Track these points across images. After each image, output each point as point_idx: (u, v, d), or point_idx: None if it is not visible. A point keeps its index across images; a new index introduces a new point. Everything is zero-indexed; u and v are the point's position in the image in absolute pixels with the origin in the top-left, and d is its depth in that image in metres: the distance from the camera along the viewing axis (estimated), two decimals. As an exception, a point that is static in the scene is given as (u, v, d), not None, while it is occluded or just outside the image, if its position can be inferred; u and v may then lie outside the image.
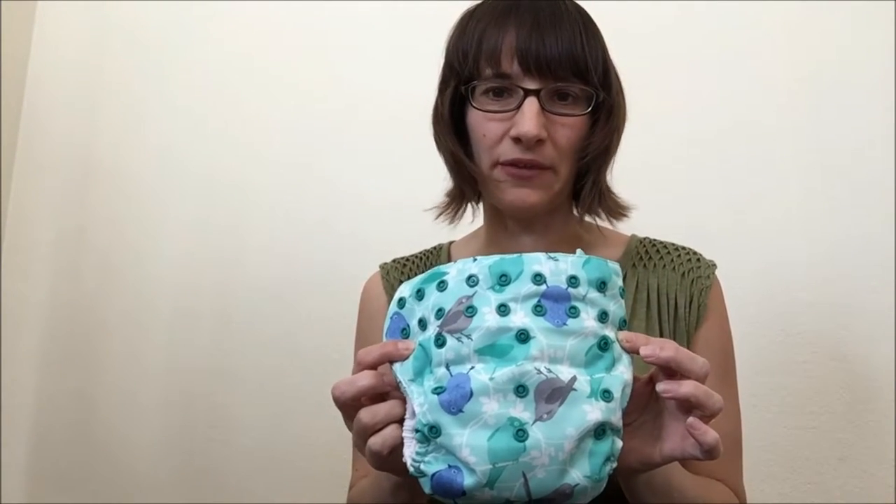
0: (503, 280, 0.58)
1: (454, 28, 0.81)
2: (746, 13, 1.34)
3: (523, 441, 0.53)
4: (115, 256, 1.68)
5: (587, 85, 0.74)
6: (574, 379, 0.55)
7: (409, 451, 0.56)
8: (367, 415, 0.58)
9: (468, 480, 0.53)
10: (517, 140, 0.73)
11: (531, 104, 0.73)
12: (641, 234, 0.89)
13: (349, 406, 0.59)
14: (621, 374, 0.57)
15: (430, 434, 0.55)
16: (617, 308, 0.59)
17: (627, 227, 0.86)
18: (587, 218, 0.84)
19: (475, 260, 0.59)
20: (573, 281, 0.58)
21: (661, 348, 0.56)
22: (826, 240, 1.26)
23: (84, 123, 1.75)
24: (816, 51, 1.30)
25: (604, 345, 0.57)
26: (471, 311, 0.57)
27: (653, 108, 1.27)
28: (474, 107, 0.76)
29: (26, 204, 1.76)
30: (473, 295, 0.57)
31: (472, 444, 0.53)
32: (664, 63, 1.37)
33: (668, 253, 0.85)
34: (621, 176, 0.83)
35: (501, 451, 0.53)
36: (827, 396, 1.22)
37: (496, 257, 0.59)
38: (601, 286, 0.59)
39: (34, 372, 1.70)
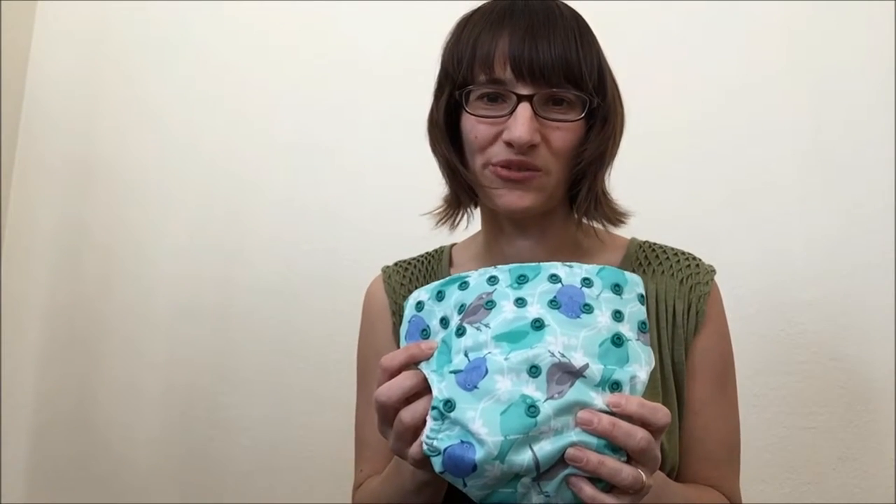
0: (521, 279, 0.63)
1: (450, 34, 0.80)
2: (747, 13, 1.34)
3: (535, 417, 0.55)
4: (116, 256, 1.68)
5: (581, 91, 0.74)
6: (587, 366, 0.57)
7: (426, 432, 0.58)
8: (407, 414, 0.60)
9: (479, 454, 0.55)
10: (509, 144, 0.73)
11: (524, 109, 0.72)
12: (641, 237, 0.88)
13: (393, 410, 0.61)
14: (634, 370, 0.59)
15: (444, 409, 0.57)
16: (635, 311, 0.63)
17: (628, 229, 0.86)
18: (585, 222, 0.83)
19: (496, 267, 0.65)
20: (587, 282, 0.62)
21: (598, 420, 0.55)
22: (826, 239, 1.26)
23: (84, 123, 1.75)
24: (817, 51, 1.30)
25: (617, 340, 0.59)
26: (490, 304, 0.61)
27: (653, 106, 1.27)
28: (468, 111, 0.76)
29: (26, 204, 1.76)
30: (493, 292, 0.62)
31: (484, 417, 0.55)
32: (663, 62, 1.37)
33: (668, 258, 0.84)
34: (621, 175, 0.83)
35: (513, 425, 0.55)
36: (827, 396, 1.22)
37: (516, 264, 0.64)
38: (616, 288, 0.63)
39: (34, 370, 1.70)
